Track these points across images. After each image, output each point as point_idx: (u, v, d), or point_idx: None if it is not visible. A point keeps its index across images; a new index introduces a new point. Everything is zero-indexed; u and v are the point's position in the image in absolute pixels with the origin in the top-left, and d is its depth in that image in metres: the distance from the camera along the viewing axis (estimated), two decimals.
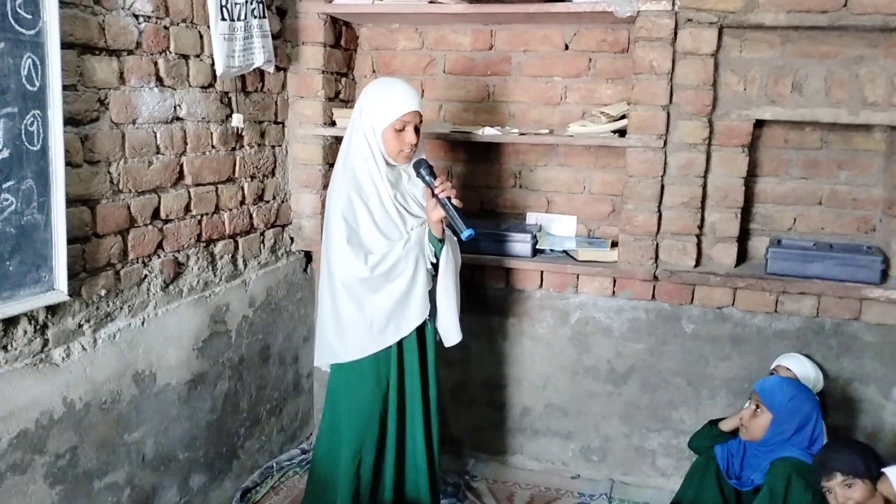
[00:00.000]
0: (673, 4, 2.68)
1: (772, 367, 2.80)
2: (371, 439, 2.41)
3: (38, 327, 1.93)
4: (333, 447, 2.46)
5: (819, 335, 2.85)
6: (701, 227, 2.88)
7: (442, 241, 2.38)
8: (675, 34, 2.71)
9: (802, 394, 2.37)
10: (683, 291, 2.94)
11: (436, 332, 2.50)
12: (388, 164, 2.35)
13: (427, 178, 2.34)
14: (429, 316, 2.41)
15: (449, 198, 2.30)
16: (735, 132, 2.80)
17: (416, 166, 2.37)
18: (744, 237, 3.01)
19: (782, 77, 2.73)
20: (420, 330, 2.42)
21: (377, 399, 2.40)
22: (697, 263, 2.90)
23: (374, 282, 2.29)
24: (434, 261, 2.40)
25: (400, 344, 2.40)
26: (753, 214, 3.04)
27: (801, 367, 2.74)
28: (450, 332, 2.50)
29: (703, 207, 2.86)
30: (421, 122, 2.37)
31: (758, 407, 2.35)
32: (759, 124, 2.87)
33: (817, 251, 2.76)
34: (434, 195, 2.31)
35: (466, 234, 2.29)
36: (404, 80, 2.45)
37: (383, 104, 2.31)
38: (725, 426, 2.53)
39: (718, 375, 2.98)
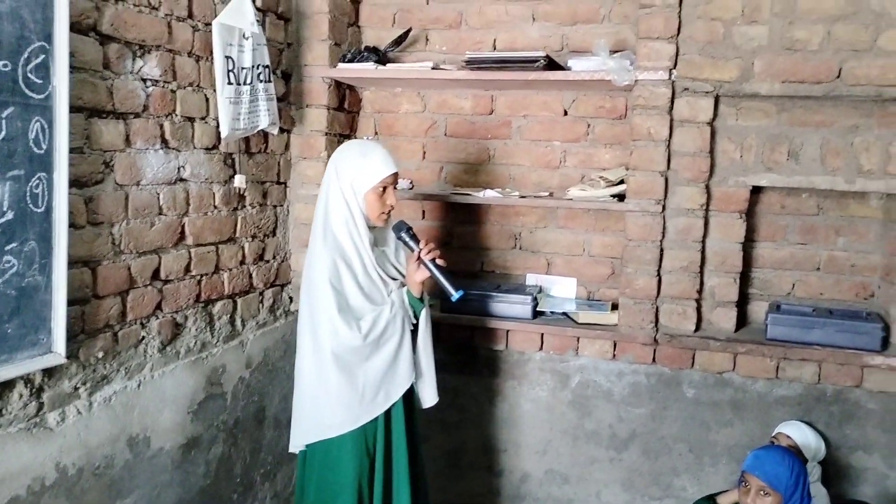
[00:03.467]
0: (670, 74, 2.73)
1: (773, 434, 2.77)
2: None
3: (33, 391, 1.90)
4: None
5: (820, 402, 2.83)
6: (700, 291, 2.88)
7: (422, 300, 2.38)
8: (672, 102, 2.76)
9: (798, 461, 2.31)
10: (684, 356, 2.92)
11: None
12: (367, 226, 2.34)
13: (409, 241, 2.33)
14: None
15: (434, 260, 2.30)
16: (732, 198, 2.83)
17: (397, 229, 2.36)
18: (743, 301, 3.01)
19: (778, 145, 2.78)
20: (405, 394, 2.38)
21: (366, 469, 2.34)
22: (697, 328, 2.89)
23: (366, 349, 2.26)
24: (415, 322, 2.39)
25: (388, 410, 2.35)
26: (752, 279, 3.04)
27: (801, 435, 2.72)
28: (428, 393, 2.48)
29: (702, 272, 2.87)
30: (397, 183, 2.38)
31: (762, 490, 2.23)
32: (756, 190, 2.90)
33: (817, 317, 2.75)
34: (418, 258, 2.31)
35: (457, 295, 2.27)
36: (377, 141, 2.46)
37: (364, 166, 2.31)
38: (724, 500, 2.48)
39: (720, 442, 2.94)
